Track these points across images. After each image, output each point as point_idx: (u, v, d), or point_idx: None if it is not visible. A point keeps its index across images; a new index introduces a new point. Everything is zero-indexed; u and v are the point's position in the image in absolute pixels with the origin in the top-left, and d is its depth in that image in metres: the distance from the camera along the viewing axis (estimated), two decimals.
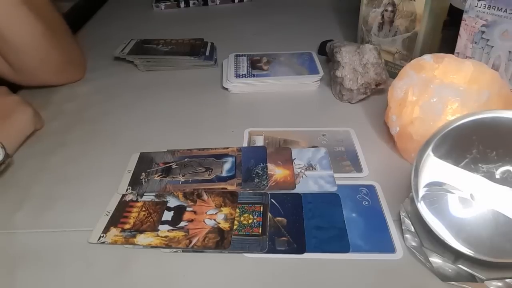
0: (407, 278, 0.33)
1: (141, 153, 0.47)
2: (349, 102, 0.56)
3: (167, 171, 0.44)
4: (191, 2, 0.96)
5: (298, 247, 0.35)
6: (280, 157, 0.45)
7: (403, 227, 0.36)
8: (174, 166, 0.44)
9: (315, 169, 0.43)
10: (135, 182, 0.43)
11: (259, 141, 0.48)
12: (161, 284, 0.33)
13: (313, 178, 0.42)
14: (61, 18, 0.61)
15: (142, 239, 0.36)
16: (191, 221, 0.38)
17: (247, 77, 0.59)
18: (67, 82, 0.63)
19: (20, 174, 0.45)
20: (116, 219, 0.39)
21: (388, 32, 0.58)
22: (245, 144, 0.48)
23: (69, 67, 0.63)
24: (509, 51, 0.45)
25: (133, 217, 0.39)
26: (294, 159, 0.45)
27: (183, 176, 0.43)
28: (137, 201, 0.41)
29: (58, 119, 0.55)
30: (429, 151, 0.34)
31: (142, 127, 0.53)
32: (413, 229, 0.34)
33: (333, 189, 0.41)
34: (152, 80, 0.64)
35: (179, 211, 0.39)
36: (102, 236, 0.37)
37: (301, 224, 0.37)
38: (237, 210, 0.39)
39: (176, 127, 0.52)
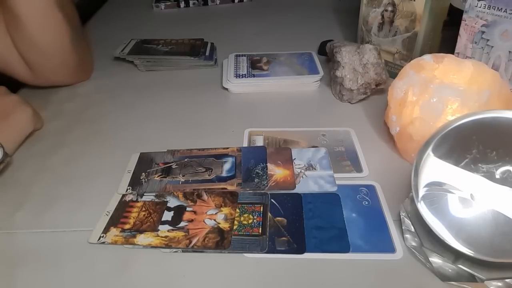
0: (407, 278, 0.33)
1: (141, 153, 0.47)
2: (349, 102, 0.56)
3: (167, 171, 0.44)
4: (191, 2, 0.96)
5: (298, 247, 0.35)
6: (280, 157, 0.45)
7: (403, 227, 0.36)
8: (174, 166, 0.44)
9: (315, 169, 0.43)
10: (135, 182, 0.43)
11: (259, 141, 0.48)
12: (161, 284, 0.33)
13: (313, 178, 0.42)
14: (78, 17, 0.61)
15: (142, 239, 0.36)
16: (191, 221, 0.38)
17: (247, 77, 0.59)
18: (77, 82, 0.63)
19: (20, 174, 0.45)
20: (116, 219, 0.39)
21: (388, 32, 0.58)
22: (245, 144, 0.48)
23: (82, 67, 0.63)
24: (509, 51, 0.45)
25: (133, 217, 0.39)
26: (294, 159, 0.45)
27: (183, 176, 0.43)
28: (137, 201, 0.41)
29: (58, 119, 0.55)
30: (429, 151, 0.34)
31: (142, 127, 0.53)
32: (413, 229, 0.34)
33: (333, 189, 0.41)
34: (152, 80, 0.64)
35: (179, 211, 0.39)
36: (102, 236, 0.37)
37: (301, 224, 0.37)
38: (237, 210, 0.39)
39: (176, 127, 0.52)
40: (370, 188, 0.41)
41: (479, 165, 0.32)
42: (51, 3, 0.52)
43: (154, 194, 0.41)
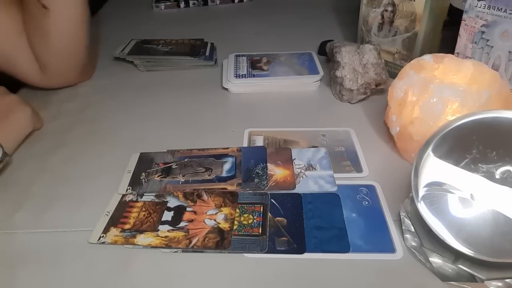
0: (407, 278, 0.33)
1: (141, 153, 0.47)
2: (349, 102, 0.56)
3: (167, 171, 0.44)
4: (191, 2, 0.96)
5: (298, 247, 0.35)
6: (280, 157, 0.45)
7: (403, 227, 0.36)
8: (174, 166, 0.44)
9: (315, 169, 0.43)
10: (135, 182, 0.43)
11: (259, 141, 0.48)
12: (161, 284, 0.33)
13: (313, 178, 0.42)
14: None
15: (142, 239, 0.36)
16: (191, 221, 0.38)
17: (247, 77, 0.59)
18: (81, 81, 0.63)
19: (19, 174, 0.45)
20: (116, 219, 0.39)
21: (388, 32, 0.58)
22: (245, 144, 0.48)
23: (87, 67, 0.63)
24: (509, 51, 0.45)
25: (133, 217, 0.39)
26: (294, 159, 0.45)
27: (183, 176, 0.43)
28: (137, 201, 0.41)
29: (58, 119, 0.55)
30: (429, 151, 0.34)
31: (142, 127, 0.53)
32: (413, 229, 0.34)
33: (333, 189, 0.41)
34: (152, 80, 0.64)
35: (179, 211, 0.39)
36: (102, 236, 0.37)
37: (301, 224, 0.37)
38: (237, 210, 0.39)
39: (176, 127, 0.52)
40: (370, 188, 0.41)
41: (479, 165, 0.32)
42: (83, 2, 0.53)
43: (154, 194, 0.41)
